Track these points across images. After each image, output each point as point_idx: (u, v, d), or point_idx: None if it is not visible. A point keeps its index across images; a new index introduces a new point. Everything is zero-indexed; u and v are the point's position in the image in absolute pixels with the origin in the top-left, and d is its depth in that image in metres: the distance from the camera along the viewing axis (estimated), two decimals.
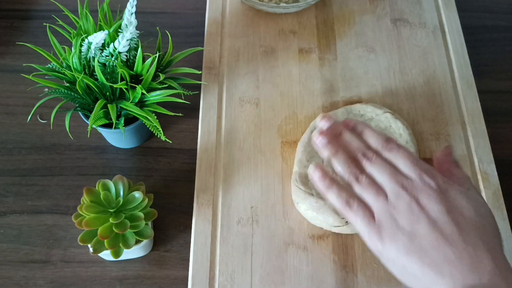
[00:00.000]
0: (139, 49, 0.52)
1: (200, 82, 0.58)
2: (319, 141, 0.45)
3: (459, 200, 0.40)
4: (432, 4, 0.67)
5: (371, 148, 0.44)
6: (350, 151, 0.44)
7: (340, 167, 0.43)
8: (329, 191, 0.43)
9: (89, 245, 0.48)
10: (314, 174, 0.44)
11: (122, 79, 0.51)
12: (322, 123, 0.46)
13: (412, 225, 0.39)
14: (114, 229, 0.47)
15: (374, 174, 0.42)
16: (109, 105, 0.50)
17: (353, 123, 0.47)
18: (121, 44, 0.50)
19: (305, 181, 0.52)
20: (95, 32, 0.52)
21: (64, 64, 0.52)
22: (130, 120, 0.54)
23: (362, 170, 0.43)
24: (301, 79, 0.61)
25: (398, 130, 0.55)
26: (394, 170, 0.42)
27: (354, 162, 0.43)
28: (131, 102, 0.51)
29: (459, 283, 0.36)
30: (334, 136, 0.45)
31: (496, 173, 0.55)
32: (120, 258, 0.49)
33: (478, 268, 0.37)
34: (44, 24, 0.54)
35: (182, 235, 0.55)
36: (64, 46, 0.52)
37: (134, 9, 0.50)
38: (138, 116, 0.51)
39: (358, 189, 0.42)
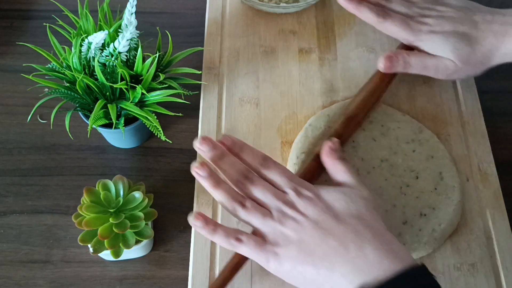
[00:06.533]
0: (139, 49, 0.52)
1: (200, 82, 0.58)
2: (200, 174, 0.44)
3: (332, 199, 0.43)
4: None
5: (251, 167, 0.46)
6: (231, 174, 0.45)
7: (222, 199, 0.44)
8: (215, 235, 0.43)
9: (89, 245, 0.48)
10: (195, 224, 0.43)
11: (122, 79, 0.51)
12: (201, 148, 0.45)
13: (298, 233, 0.41)
14: (114, 229, 0.47)
15: (258, 195, 0.44)
16: (109, 105, 0.50)
17: (230, 140, 0.46)
18: (121, 44, 0.50)
19: None
20: (95, 32, 0.52)
21: (64, 64, 0.52)
22: (130, 120, 0.54)
23: (244, 194, 0.44)
24: (301, 79, 0.61)
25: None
26: (274, 188, 0.44)
27: (238, 184, 0.44)
28: (131, 102, 0.51)
29: (351, 267, 0.39)
30: (214, 157, 0.45)
31: (496, 173, 0.55)
32: (120, 258, 0.49)
33: (361, 247, 0.40)
34: (44, 24, 0.54)
35: (182, 235, 0.55)
36: (64, 46, 0.52)
37: (134, 9, 0.50)
38: (138, 116, 0.51)
39: (243, 215, 0.43)
